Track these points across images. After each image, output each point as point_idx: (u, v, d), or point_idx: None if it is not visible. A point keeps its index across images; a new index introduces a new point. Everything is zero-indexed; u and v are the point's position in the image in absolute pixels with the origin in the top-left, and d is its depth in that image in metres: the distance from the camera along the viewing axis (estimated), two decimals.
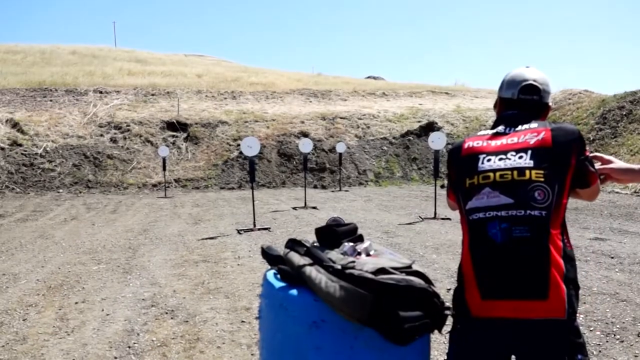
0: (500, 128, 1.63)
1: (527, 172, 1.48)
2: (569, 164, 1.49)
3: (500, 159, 1.53)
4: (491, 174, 1.52)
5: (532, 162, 1.49)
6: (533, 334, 1.43)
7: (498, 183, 1.50)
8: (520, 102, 1.65)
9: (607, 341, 3.33)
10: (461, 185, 1.60)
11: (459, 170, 1.63)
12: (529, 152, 1.50)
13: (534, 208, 1.45)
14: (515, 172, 1.49)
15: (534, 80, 1.65)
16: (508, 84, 1.70)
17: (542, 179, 1.46)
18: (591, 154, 1.58)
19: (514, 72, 1.71)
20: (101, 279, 5.16)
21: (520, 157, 1.51)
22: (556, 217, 1.46)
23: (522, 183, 1.47)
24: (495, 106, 1.80)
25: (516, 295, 1.43)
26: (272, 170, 17.10)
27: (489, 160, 1.55)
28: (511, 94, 1.68)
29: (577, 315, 3.99)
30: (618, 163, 1.55)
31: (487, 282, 1.48)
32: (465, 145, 1.64)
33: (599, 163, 1.57)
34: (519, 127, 1.59)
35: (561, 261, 1.44)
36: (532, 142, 1.52)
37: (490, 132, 1.65)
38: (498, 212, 1.48)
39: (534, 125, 1.57)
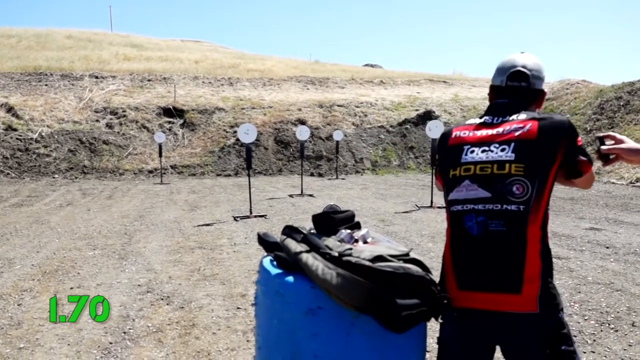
0: (487, 118, 1.58)
1: (507, 165, 1.45)
2: (554, 156, 1.44)
3: (483, 151, 1.50)
4: (472, 167, 1.50)
5: (513, 155, 1.45)
6: (508, 327, 1.44)
7: (477, 176, 1.49)
8: (509, 89, 1.59)
9: (601, 330, 3.35)
10: (445, 176, 1.59)
11: (444, 160, 1.61)
12: (512, 144, 1.47)
13: (511, 202, 1.43)
14: (495, 166, 1.47)
15: (523, 66, 1.58)
16: (498, 71, 1.64)
17: (521, 173, 1.43)
18: (603, 133, 1.53)
19: (505, 58, 1.65)
20: (96, 265, 5.15)
21: (503, 150, 1.47)
22: (536, 211, 1.43)
23: (500, 177, 1.45)
24: (489, 95, 1.75)
25: (490, 288, 1.44)
26: (268, 157, 17.07)
27: (472, 151, 1.53)
28: (500, 82, 1.62)
29: (572, 304, 3.96)
30: (630, 143, 1.46)
31: (463, 273, 1.50)
32: (453, 135, 1.61)
33: (612, 142, 1.49)
34: (507, 118, 1.54)
35: (538, 256, 1.43)
36: (516, 134, 1.47)
37: (478, 121, 1.60)
38: (475, 205, 1.47)
39: (522, 116, 1.51)
